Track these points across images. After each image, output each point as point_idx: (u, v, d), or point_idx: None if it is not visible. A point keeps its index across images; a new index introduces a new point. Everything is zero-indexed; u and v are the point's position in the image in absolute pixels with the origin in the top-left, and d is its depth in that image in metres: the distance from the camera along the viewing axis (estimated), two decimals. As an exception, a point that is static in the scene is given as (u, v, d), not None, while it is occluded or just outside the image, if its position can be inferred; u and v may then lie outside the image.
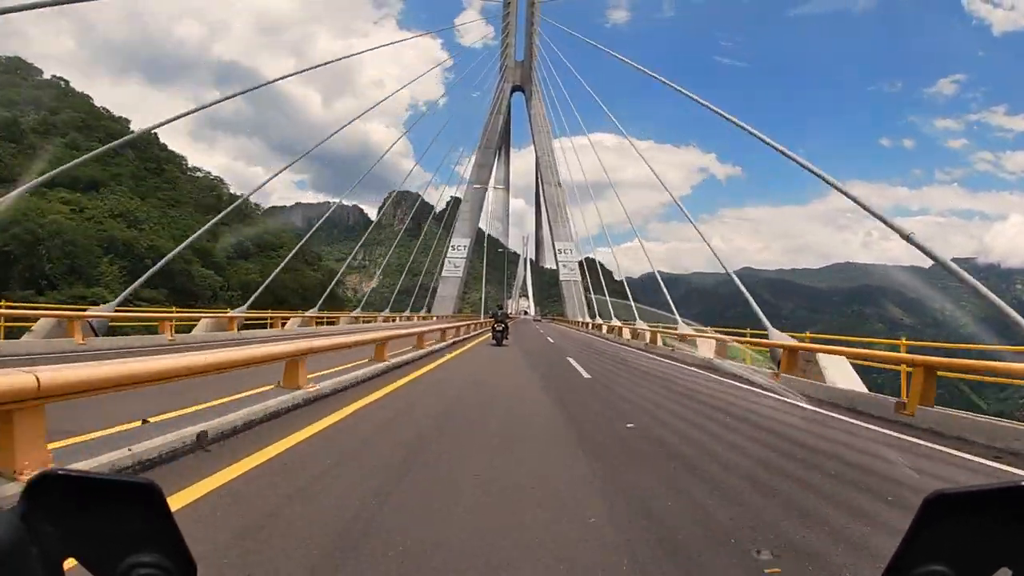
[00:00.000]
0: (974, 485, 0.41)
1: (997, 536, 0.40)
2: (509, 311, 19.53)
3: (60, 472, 0.43)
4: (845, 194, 10.56)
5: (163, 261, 15.90)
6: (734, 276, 14.51)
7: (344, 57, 45.24)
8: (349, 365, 7.53)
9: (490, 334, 16.54)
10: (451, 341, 15.52)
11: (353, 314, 30.88)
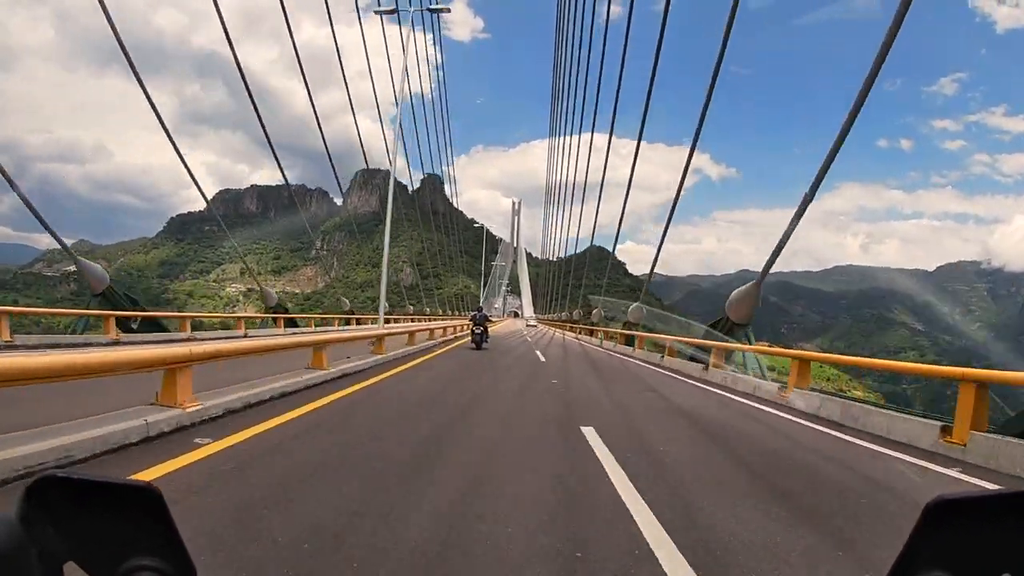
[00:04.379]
0: (976, 491, 0.39)
1: (999, 542, 0.39)
2: (489, 313, 19.42)
3: (60, 475, 0.41)
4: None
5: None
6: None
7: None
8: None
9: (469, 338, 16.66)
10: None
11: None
